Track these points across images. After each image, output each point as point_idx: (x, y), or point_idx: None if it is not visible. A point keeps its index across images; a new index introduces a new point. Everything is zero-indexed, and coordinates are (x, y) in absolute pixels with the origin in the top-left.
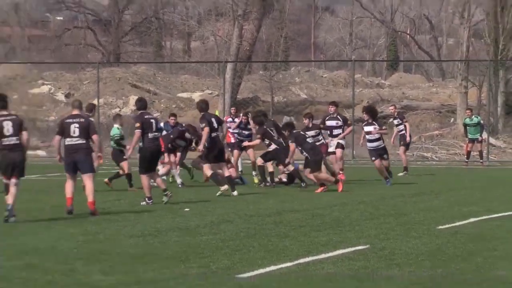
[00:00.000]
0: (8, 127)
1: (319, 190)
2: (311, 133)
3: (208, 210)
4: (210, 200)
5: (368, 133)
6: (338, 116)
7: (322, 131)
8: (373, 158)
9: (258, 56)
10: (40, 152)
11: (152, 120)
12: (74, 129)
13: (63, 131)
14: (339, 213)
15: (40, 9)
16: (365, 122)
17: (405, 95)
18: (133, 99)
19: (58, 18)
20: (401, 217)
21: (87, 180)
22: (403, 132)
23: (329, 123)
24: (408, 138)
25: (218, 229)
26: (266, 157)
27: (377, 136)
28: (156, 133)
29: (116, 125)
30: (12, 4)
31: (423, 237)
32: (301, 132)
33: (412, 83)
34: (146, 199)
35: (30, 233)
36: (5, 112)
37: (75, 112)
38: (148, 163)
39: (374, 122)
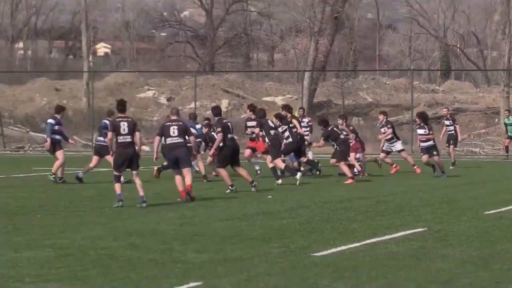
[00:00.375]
0: (124, 127)
1: (348, 181)
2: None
3: (288, 197)
4: (289, 189)
5: (421, 135)
6: (385, 124)
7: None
8: (422, 154)
9: (331, 66)
10: (145, 147)
11: (229, 124)
12: (174, 130)
13: (163, 133)
14: (400, 200)
15: (146, 26)
16: (418, 125)
17: (456, 99)
18: (225, 102)
19: (162, 34)
20: (453, 203)
21: (187, 173)
22: (452, 132)
23: (381, 130)
24: (459, 137)
25: (296, 214)
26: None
27: (428, 137)
28: (233, 134)
29: None
30: (123, 22)
31: (472, 221)
32: (335, 129)
33: (462, 89)
34: (229, 187)
35: (134, 217)
36: (122, 115)
37: (174, 117)
38: (230, 159)
39: (425, 126)
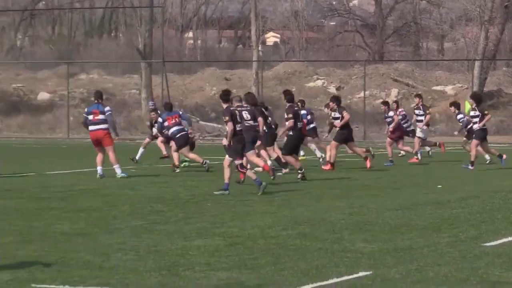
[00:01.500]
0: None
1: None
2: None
3: (458, 187)
4: (460, 178)
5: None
6: (421, 107)
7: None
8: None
9: (501, 54)
10: None
11: (299, 112)
12: (246, 115)
13: (234, 119)
14: None
15: (315, 15)
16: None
17: None
18: (394, 91)
19: (331, 23)
20: None
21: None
22: None
23: (416, 111)
24: None
25: (466, 204)
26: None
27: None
28: (301, 123)
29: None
30: (292, 12)
31: None
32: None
33: None
34: (299, 171)
35: (303, 206)
36: (227, 104)
37: (238, 104)
38: (296, 147)
39: (475, 109)
